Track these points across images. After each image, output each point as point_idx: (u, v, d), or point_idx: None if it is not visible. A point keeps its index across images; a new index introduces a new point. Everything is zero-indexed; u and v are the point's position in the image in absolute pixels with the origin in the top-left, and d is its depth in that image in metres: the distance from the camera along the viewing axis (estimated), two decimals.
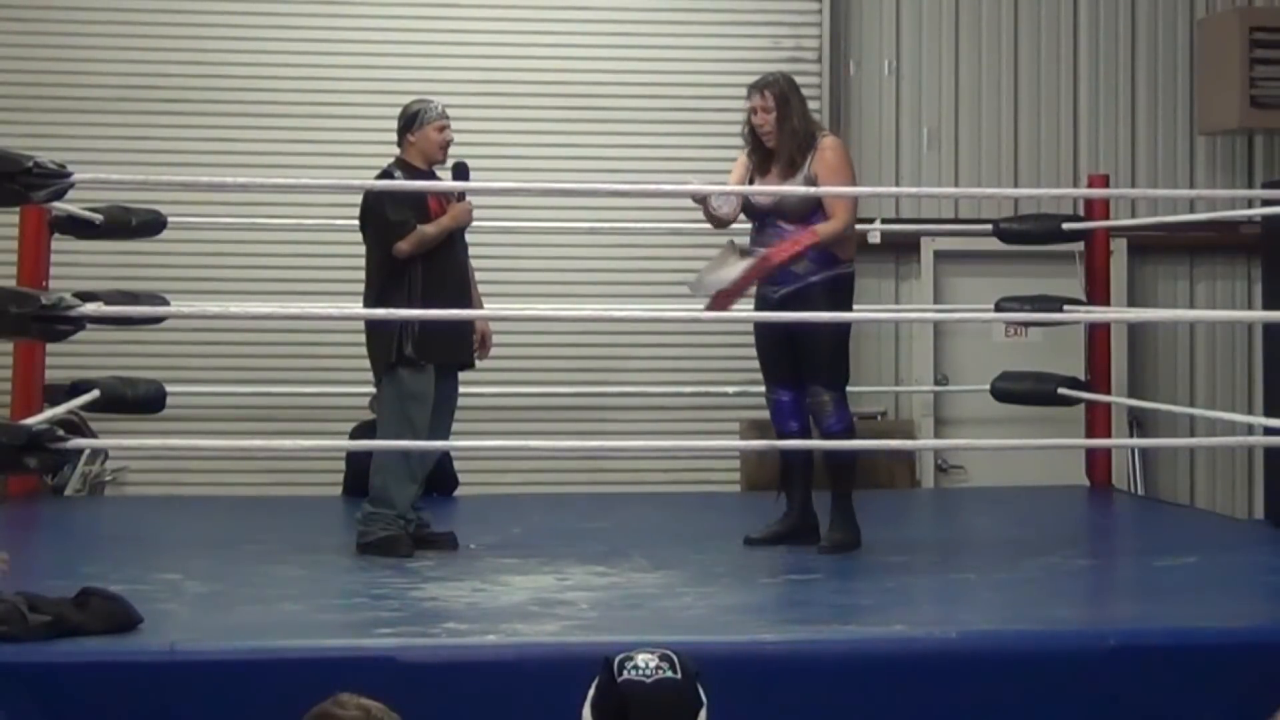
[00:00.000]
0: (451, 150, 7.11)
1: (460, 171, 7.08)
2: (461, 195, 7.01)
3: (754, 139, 6.97)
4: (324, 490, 8.97)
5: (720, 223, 6.96)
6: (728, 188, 6.97)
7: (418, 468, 6.93)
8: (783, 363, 6.94)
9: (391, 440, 6.86)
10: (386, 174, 6.95)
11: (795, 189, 6.76)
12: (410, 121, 7.02)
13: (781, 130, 6.87)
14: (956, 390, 10.15)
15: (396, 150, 7.04)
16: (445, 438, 7.09)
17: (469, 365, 7.16)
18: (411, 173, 6.96)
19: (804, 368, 6.90)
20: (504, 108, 10.01)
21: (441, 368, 6.93)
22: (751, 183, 6.95)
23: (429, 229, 6.86)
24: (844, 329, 7.00)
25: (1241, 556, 7.00)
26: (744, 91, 7.04)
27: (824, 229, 6.77)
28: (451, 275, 6.92)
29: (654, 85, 10.16)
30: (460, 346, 7.02)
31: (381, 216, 6.89)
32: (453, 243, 6.95)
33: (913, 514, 8.94)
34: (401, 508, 6.83)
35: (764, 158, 6.95)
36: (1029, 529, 7.14)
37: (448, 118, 7.03)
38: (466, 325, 7.03)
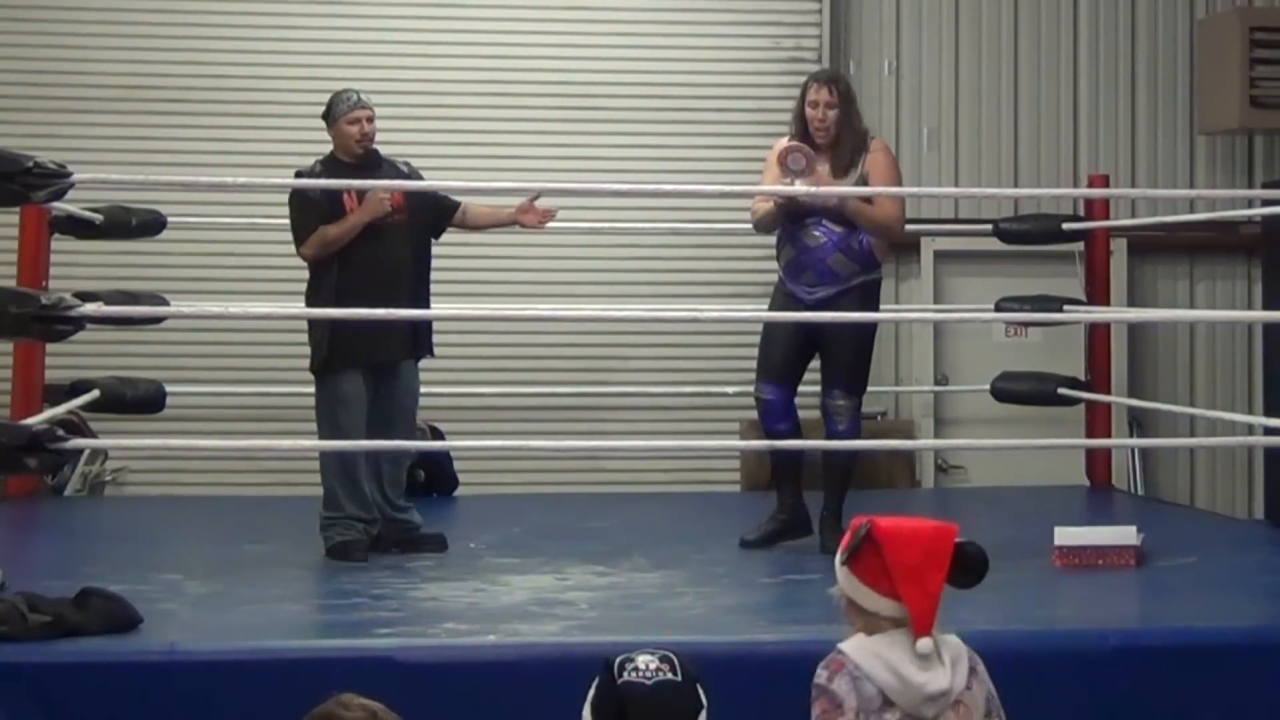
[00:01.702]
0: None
1: (373, 157, 6.82)
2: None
3: (803, 133, 6.78)
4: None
5: (779, 213, 6.75)
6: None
7: (356, 469, 6.71)
8: (793, 363, 6.83)
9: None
10: (300, 174, 6.79)
11: (856, 190, 6.66)
12: (326, 115, 6.84)
13: (843, 128, 6.75)
14: (956, 390, 10.15)
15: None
16: (406, 435, 6.88)
17: (404, 361, 6.84)
18: (336, 167, 6.77)
19: (827, 371, 6.82)
20: (504, 108, 10.00)
21: (371, 367, 6.72)
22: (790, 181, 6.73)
23: (331, 229, 6.66)
24: (872, 336, 6.92)
25: (1241, 556, 7.00)
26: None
27: (884, 208, 6.73)
28: (375, 274, 6.64)
29: (654, 85, 10.15)
30: (388, 343, 6.70)
31: (290, 219, 6.80)
32: (376, 241, 6.69)
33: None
34: (351, 510, 6.69)
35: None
36: (1029, 529, 7.13)
37: (365, 107, 6.80)
38: (396, 322, 6.62)
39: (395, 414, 6.83)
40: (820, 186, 6.64)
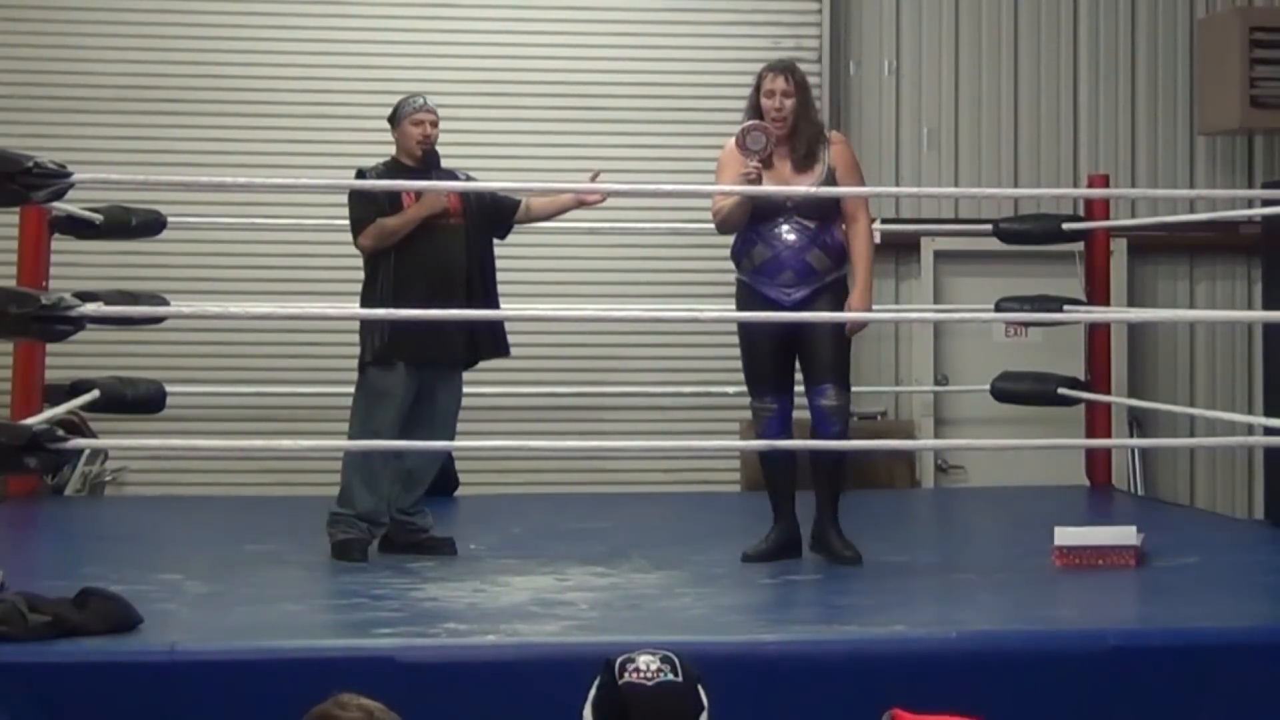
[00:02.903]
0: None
1: (431, 159, 6.91)
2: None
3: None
4: (324, 490, 8.92)
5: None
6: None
7: (380, 470, 6.73)
8: (785, 369, 6.65)
9: (356, 439, 6.75)
10: (361, 173, 6.87)
11: (832, 190, 6.49)
12: (392, 117, 6.96)
13: (800, 118, 6.56)
14: (956, 390, 10.15)
15: (381, 148, 7.04)
16: (445, 439, 6.91)
17: (458, 364, 6.92)
18: (396, 168, 6.88)
19: (813, 370, 6.59)
20: (504, 108, 10.01)
21: (420, 366, 6.75)
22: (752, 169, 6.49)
23: (390, 221, 6.74)
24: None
25: (1241, 556, 7.01)
26: (744, 92, 6.85)
27: (866, 242, 6.62)
28: (429, 269, 6.72)
29: (654, 85, 10.16)
30: (440, 343, 6.75)
31: (349, 213, 6.88)
32: (432, 240, 6.76)
33: (913, 514, 8.94)
34: (363, 509, 6.68)
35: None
36: (1029, 529, 7.14)
37: (430, 111, 6.90)
38: (452, 325, 6.72)
39: (438, 420, 6.84)
40: (785, 182, 6.51)
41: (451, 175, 6.98)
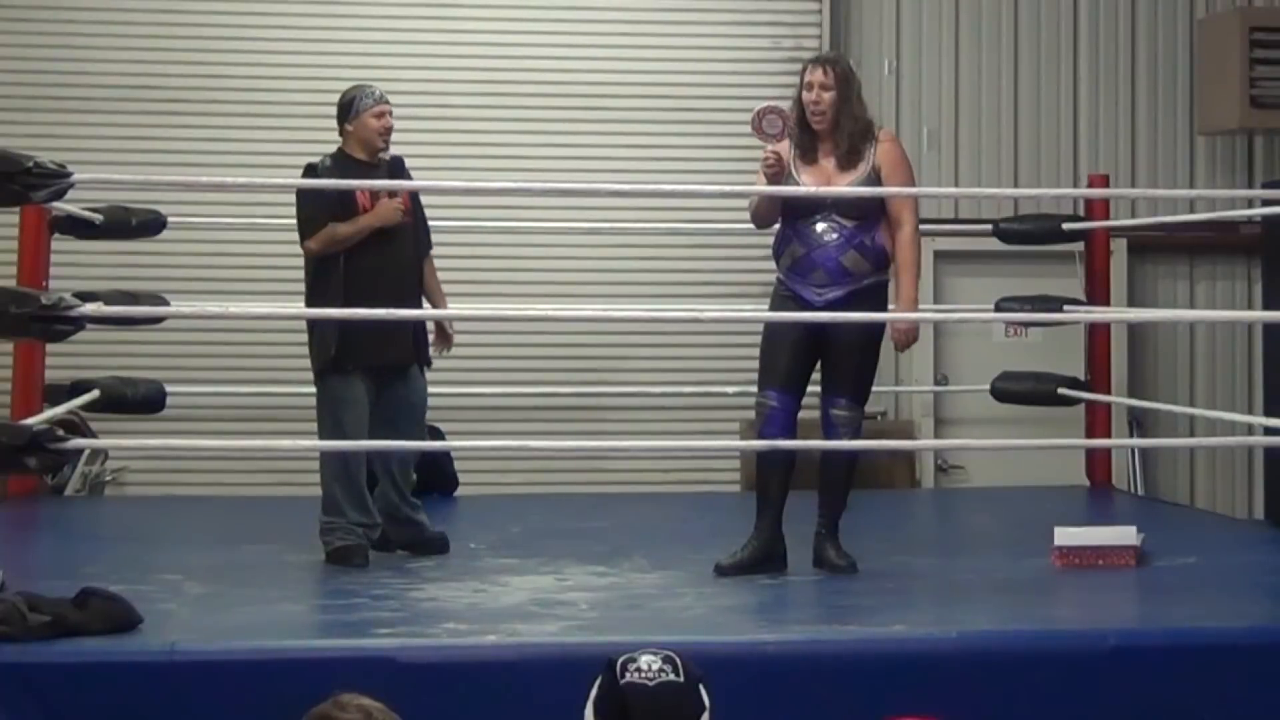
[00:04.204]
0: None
1: (397, 166, 6.77)
2: (395, 193, 6.66)
3: (801, 120, 6.35)
4: None
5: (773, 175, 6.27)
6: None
7: (359, 472, 6.64)
8: (800, 369, 6.38)
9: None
10: (311, 168, 6.68)
11: (873, 190, 6.24)
12: (346, 110, 6.69)
13: (841, 113, 6.31)
14: (956, 390, 10.15)
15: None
16: (416, 437, 6.82)
17: (410, 364, 6.75)
18: (346, 163, 6.67)
19: (832, 378, 6.39)
20: (504, 108, 10.00)
21: (376, 370, 6.63)
22: (792, 172, 6.33)
23: (342, 228, 6.56)
24: (880, 341, 6.45)
25: (1241, 556, 7.00)
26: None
27: (910, 248, 6.33)
28: (383, 276, 6.55)
29: (655, 85, 10.15)
30: (393, 347, 6.62)
31: (297, 212, 6.69)
32: (385, 241, 6.60)
33: (913, 514, 8.94)
34: (351, 514, 6.59)
35: (809, 146, 6.36)
36: (1029, 529, 7.13)
37: (388, 102, 6.72)
38: (403, 324, 6.59)
39: (401, 417, 6.72)
40: (827, 179, 6.31)
41: (404, 171, 6.81)
